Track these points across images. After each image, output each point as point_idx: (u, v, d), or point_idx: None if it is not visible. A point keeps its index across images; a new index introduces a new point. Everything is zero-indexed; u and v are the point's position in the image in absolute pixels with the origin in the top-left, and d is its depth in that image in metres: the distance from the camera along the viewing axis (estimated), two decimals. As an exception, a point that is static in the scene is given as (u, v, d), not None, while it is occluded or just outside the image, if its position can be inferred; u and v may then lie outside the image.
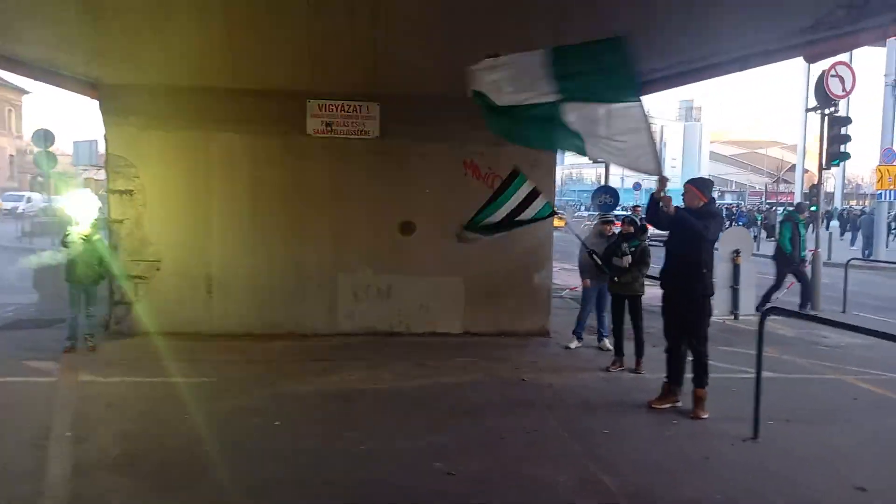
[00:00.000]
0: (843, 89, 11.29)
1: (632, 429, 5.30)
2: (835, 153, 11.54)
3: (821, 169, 11.88)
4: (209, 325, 8.41)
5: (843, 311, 11.24)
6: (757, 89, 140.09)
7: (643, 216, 7.30)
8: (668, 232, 5.71)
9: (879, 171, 23.31)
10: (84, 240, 7.40)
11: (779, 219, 18.23)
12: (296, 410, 5.65)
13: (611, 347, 8.11)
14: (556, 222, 8.22)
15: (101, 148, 8.50)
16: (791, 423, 5.31)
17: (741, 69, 8.37)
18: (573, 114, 4.86)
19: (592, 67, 4.80)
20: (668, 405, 5.80)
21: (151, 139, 8.29)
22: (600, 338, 8.37)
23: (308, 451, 4.71)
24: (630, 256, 6.54)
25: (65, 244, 7.38)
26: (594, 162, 5.02)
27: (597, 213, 11.93)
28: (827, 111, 11.42)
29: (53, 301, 9.22)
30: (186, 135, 8.34)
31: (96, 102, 8.37)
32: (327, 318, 8.64)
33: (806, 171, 53.89)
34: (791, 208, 14.18)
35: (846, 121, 11.63)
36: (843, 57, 11.49)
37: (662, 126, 68.24)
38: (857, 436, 5.29)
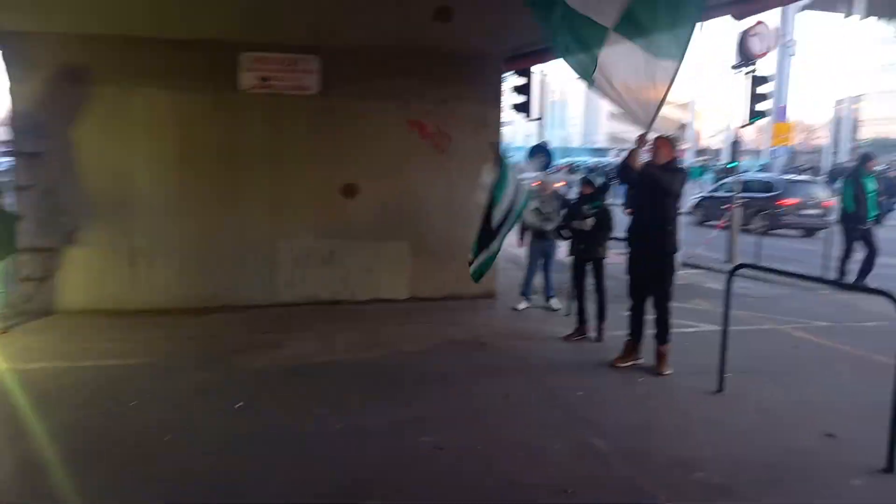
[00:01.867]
0: (763, 48, 11.68)
1: (604, 389, 5.32)
2: (754, 111, 12.00)
3: (743, 126, 12.35)
4: (133, 299, 7.78)
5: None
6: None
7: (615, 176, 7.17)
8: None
9: (776, 127, 24.76)
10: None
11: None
12: (255, 389, 5.28)
13: (558, 307, 8.20)
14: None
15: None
16: (748, 375, 5.49)
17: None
18: (610, 48, 4.66)
19: (666, 15, 4.60)
20: (630, 363, 5.87)
21: (63, 95, 7.43)
22: (547, 298, 8.41)
23: (281, 432, 4.41)
24: (593, 218, 6.46)
25: None
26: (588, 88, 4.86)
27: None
28: (747, 70, 11.80)
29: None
30: (103, 90, 7.54)
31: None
32: (266, 287, 8.19)
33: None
34: (856, 162, 12.34)
35: (764, 80, 12.07)
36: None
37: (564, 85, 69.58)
38: (814, 385, 5.54)
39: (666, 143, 5.51)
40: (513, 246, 10.77)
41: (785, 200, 17.06)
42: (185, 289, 7.91)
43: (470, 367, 5.92)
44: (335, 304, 8.31)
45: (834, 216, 11.14)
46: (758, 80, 11.92)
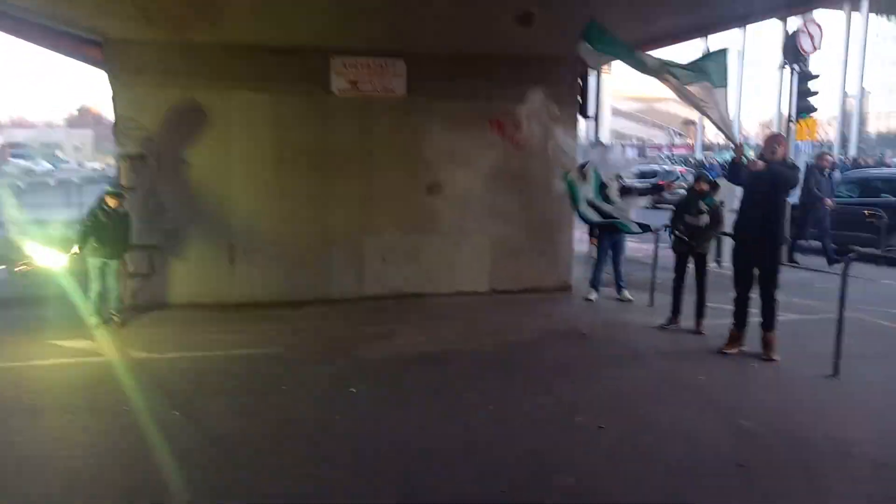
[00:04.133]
0: (813, 46, 11.93)
1: (724, 375, 5.59)
2: (803, 107, 12.25)
3: (788, 121, 12.58)
4: (232, 294, 8.08)
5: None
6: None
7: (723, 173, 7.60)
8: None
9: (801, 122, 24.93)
10: (108, 210, 6.87)
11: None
12: (393, 377, 5.57)
13: (631, 298, 8.48)
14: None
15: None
16: (855, 360, 5.74)
17: (742, 25, 8.79)
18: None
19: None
20: (736, 350, 6.15)
21: (165, 100, 7.71)
22: (619, 289, 8.68)
23: (440, 418, 4.68)
24: (706, 215, 6.71)
25: (92, 215, 6.81)
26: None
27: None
28: (796, 67, 12.05)
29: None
30: (203, 94, 7.82)
31: (100, 62, 7.69)
32: (355, 281, 8.48)
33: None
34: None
35: (813, 76, 12.31)
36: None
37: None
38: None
39: (784, 140, 5.79)
40: (582, 242, 11.08)
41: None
42: (280, 283, 8.20)
43: (583, 355, 6.20)
44: (419, 296, 8.59)
45: None
46: (805, 77, 12.17)
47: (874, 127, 59.05)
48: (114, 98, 7.70)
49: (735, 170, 5.85)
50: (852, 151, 49.01)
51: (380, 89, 8.25)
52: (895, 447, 4.17)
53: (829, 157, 13.36)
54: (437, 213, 8.61)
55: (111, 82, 7.70)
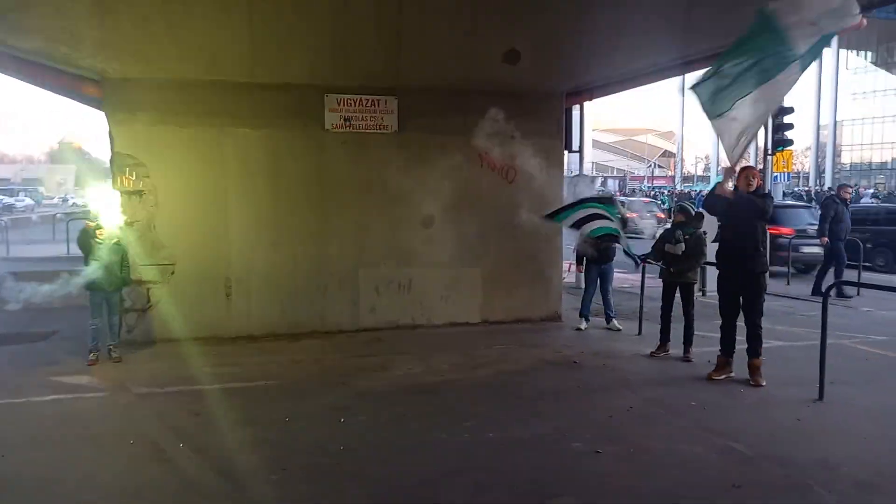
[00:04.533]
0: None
1: (713, 400, 5.76)
2: (779, 140, 12.69)
3: (766, 154, 13.00)
4: (229, 327, 8.17)
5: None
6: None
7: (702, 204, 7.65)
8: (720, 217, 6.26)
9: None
10: (101, 243, 6.97)
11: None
12: (392, 406, 5.68)
13: (620, 327, 8.67)
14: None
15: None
16: (839, 386, 5.96)
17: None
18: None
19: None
20: (724, 376, 6.35)
21: (161, 136, 7.87)
22: (608, 319, 8.86)
23: (441, 443, 4.81)
24: (684, 244, 6.95)
25: (88, 249, 6.91)
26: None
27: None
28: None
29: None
30: (199, 131, 7.99)
31: (99, 100, 7.87)
32: (350, 313, 8.61)
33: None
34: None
35: (789, 110, 12.77)
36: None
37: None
38: (896, 392, 6.05)
39: (757, 172, 6.06)
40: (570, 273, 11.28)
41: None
42: (276, 317, 8.31)
43: (576, 383, 6.35)
44: (413, 328, 8.73)
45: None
46: (783, 110, 12.60)
47: (847, 157, 60.68)
48: (111, 135, 7.86)
49: (712, 197, 6.10)
50: (828, 182, 50.26)
51: (372, 125, 8.49)
52: (878, 467, 4.35)
53: (849, 189, 13.41)
54: (430, 245, 8.81)
55: (109, 119, 7.86)
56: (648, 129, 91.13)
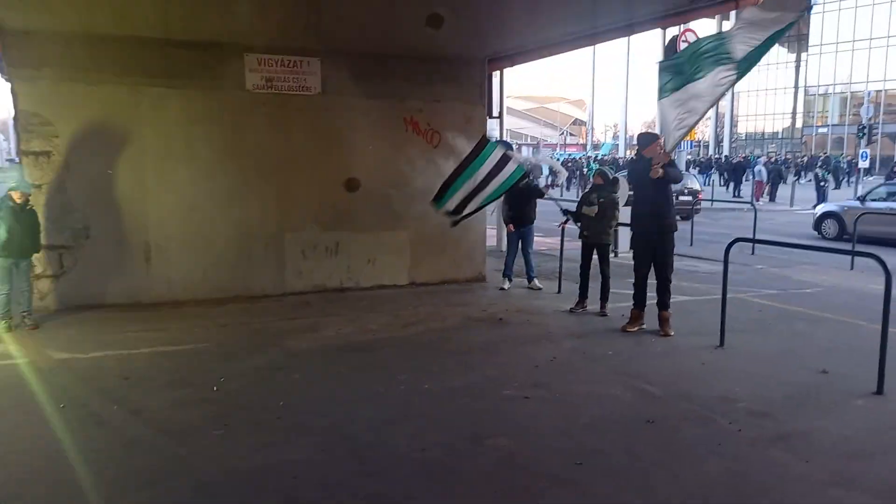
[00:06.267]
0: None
1: (627, 349, 6.22)
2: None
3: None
4: (149, 293, 7.98)
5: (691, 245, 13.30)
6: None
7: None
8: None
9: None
10: (14, 207, 6.65)
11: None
12: (326, 363, 5.81)
13: (541, 287, 9.10)
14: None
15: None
16: (737, 333, 6.54)
17: (628, 35, 9.70)
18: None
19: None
20: (637, 328, 6.84)
21: (71, 94, 7.49)
22: (530, 279, 9.27)
23: (379, 395, 4.99)
24: (597, 206, 7.35)
25: None
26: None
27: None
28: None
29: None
30: (111, 89, 7.65)
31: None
32: (276, 277, 8.58)
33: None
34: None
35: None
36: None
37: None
38: (790, 337, 6.72)
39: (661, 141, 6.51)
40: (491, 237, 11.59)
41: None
42: (199, 281, 8.17)
43: (502, 338, 6.67)
44: (342, 291, 8.82)
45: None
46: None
47: (743, 127, 64.50)
48: (14, 92, 7.40)
49: (639, 166, 6.53)
50: (725, 151, 53.24)
51: (295, 87, 8.39)
52: (770, 400, 4.89)
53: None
54: (356, 209, 8.87)
55: (11, 75, 7.39)
56: (560, 98, 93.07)
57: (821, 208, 16.57)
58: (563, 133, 79.59)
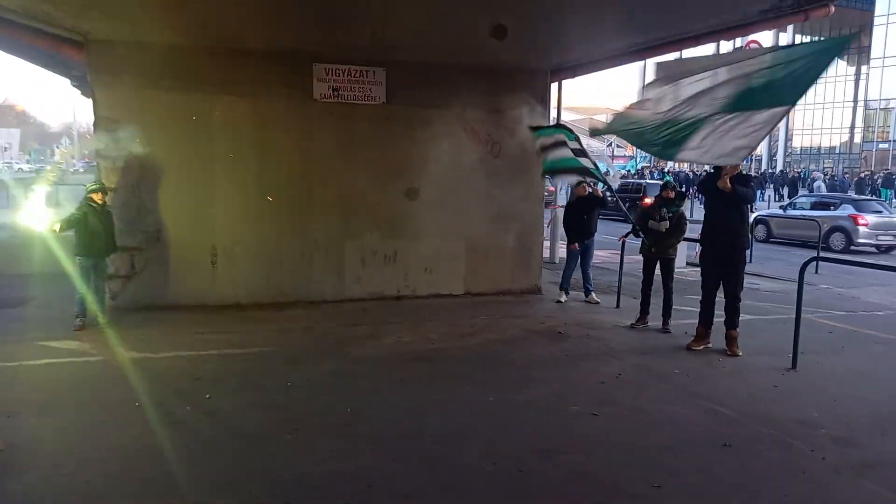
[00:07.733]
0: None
1: (695, 368, 6.08)
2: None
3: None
4: (214, 295, 8.18)
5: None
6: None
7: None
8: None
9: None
10: (96, 207, 6.91)
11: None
12: (390, 371, 5.84)
13: (598, 300, 8.99)
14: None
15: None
16: (809, 355, 6.35)
17: (694, 45, 9.49)
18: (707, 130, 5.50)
19: (797, 67, 5.06)
20: (702, 346, 6.69)
21: (147, 101, 7.75)
22: (587, 293, 9.17)
23: (446, 406, 4.99)
24: (668, 222, 7.22)
25: (74, 215, 6.81)
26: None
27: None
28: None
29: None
30: (186, 97, 7.90)
31: (74, 63, 7.70)
32: (335, 284, 8.69)
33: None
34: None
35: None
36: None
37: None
38: (870, 362, 6.46)
39: None
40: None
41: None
42: (262, 286, 8.34)
43: (563, 352, 6.60)
44: (398, 299, 8.87)
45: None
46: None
47: (798, 142, 62.67)
48: (95, 98, 7.71)
49: (710, 182, 6.39)
50: (779, 165, 51.84)
51: (361, 96, 8.51)
52: (851, 424, 4.72)
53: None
54: (415, 217, 8.93)
55: (92, 82, 7.70)
56: (607, 108, 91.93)
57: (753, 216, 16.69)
58: (609, 144, 78.58)
